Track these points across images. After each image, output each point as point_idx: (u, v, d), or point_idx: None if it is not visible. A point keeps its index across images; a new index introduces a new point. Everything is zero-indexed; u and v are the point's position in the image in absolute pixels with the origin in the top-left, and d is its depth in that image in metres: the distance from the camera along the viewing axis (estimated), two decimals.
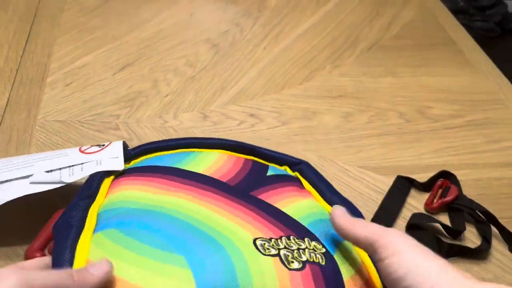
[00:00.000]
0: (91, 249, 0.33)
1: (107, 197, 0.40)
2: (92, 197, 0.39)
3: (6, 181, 0.42)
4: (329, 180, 0.57)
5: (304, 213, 0.42)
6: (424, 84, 0.74)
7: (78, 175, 0.42)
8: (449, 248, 0.49)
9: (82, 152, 0.45)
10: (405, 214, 0.55)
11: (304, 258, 0.35)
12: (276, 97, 0.68)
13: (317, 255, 0.36)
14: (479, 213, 0.53)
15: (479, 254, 0.50)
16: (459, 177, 0.59)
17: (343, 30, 0.82)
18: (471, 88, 0.74)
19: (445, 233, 0.52)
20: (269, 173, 0.48)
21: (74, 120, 0.59)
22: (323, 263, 0.36)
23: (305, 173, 0.50)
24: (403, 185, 0.57)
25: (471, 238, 0.53)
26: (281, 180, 0.47)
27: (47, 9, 0.76)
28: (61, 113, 0.60)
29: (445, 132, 0.66)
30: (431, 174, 0.58)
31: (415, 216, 0.53)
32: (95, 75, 0.66)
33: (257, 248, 0.34)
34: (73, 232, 0.34)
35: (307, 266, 0.35)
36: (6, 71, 0.64)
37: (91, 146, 0.46)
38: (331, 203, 0.46)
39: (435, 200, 0.55)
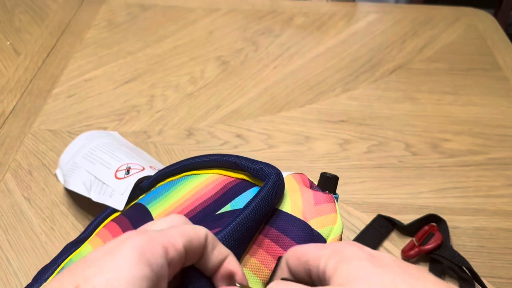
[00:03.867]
0: None
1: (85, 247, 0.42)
2: (81, 242, 0.42)
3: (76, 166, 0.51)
4: None
5: None
6: (447, 114, 0.65)
7: (96, 197, 0.46)
8: None
9: (115, 175, 0.48)
10: None
11: None
12: (270, 118, 0.64)
13: None
14: (464, 269, 0.45)
15: None
16: (459, 224, 0.51)
17: (366, 52, 0.76)
18: (505, 121, 0.64)
19: None
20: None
21: (64, 130, 0.62)
22: None
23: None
24: (381, 226, 0.50)
25: None
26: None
27: (76, 25, 0.81)
28: (54, 123, 0.63)
29: (457, 170, 0.57)
30: None
31: None
32: (98, 88, 0.68)
33: None
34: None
35: None
36: (22, 81, 0.69)
37: (127, 167, 0.48)
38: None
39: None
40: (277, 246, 0.32)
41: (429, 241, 0.47)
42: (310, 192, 0.37)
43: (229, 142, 0.61)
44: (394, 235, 0.50)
